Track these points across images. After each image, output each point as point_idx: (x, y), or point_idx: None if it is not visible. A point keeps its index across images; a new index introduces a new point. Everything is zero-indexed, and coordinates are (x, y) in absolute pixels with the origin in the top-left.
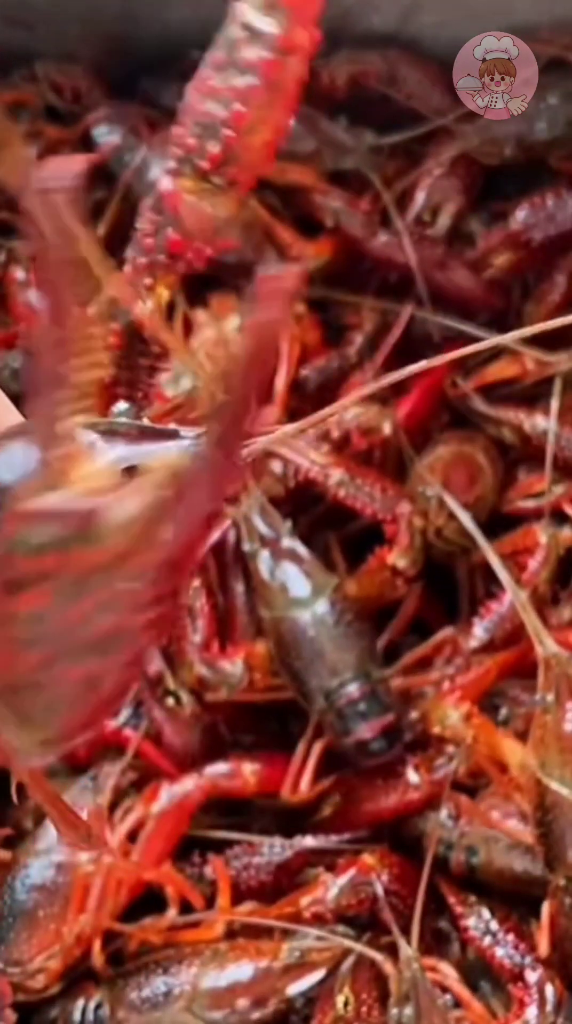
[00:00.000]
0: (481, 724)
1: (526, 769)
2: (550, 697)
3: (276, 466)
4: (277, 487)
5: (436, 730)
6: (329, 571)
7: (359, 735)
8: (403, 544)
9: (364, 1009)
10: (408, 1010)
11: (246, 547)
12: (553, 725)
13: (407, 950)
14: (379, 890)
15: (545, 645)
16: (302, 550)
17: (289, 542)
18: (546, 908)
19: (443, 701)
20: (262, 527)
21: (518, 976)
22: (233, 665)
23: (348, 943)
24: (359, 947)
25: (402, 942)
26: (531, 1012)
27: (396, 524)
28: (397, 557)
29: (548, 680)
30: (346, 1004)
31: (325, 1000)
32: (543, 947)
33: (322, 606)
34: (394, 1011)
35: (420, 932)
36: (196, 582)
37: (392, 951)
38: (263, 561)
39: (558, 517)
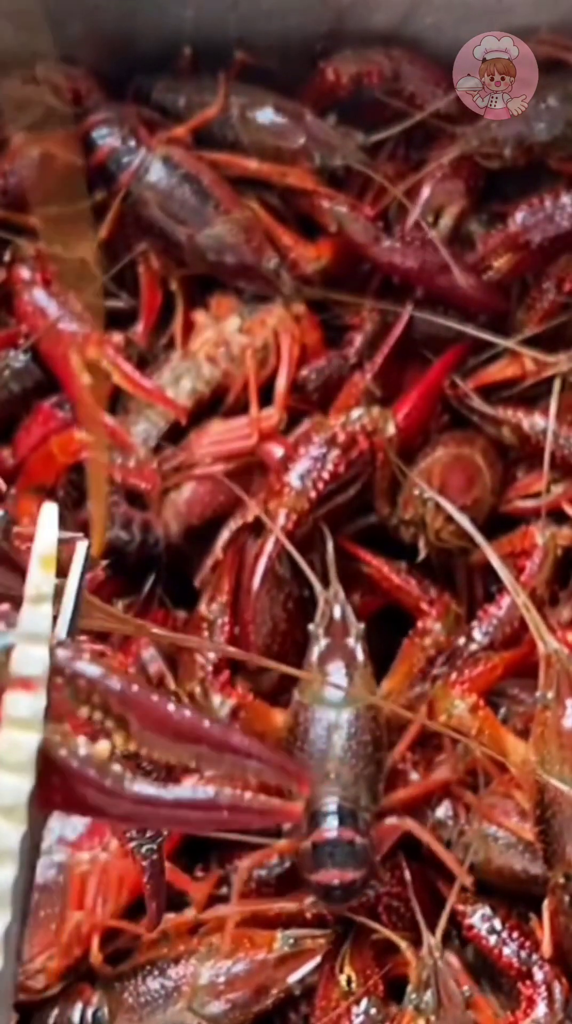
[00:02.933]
0: (486, 716)
1: (527, 765)
2: (550, 695)
3: (296, 481)
4: (300, 501)
5: (442, 719)
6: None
7: (325, 878)
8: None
9: (370, 984)
10: (428, 996)
11: (311, 626)
12: (553, 722)
13: (429, 939)
14: (407, 875)
15: (546, 642)
16: (360, 656)
17: (353, 643)
18: (547, 906)
19: (450, 691)
20: (337, 616)
21: (526, 975)
22: (222, 702)
23: (371, 923)
24: (380, 928)
25: (426, 932)
26: (540, 1010)
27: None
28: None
29: (548, 678)
30: (349, 982)
31: (327, 982)
32: (546, 946)
33: (347, 715)
34: (413, 996)
35: (419, 930)
36: (222, 596)
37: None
38: (319, 647)
39: (558, 516)
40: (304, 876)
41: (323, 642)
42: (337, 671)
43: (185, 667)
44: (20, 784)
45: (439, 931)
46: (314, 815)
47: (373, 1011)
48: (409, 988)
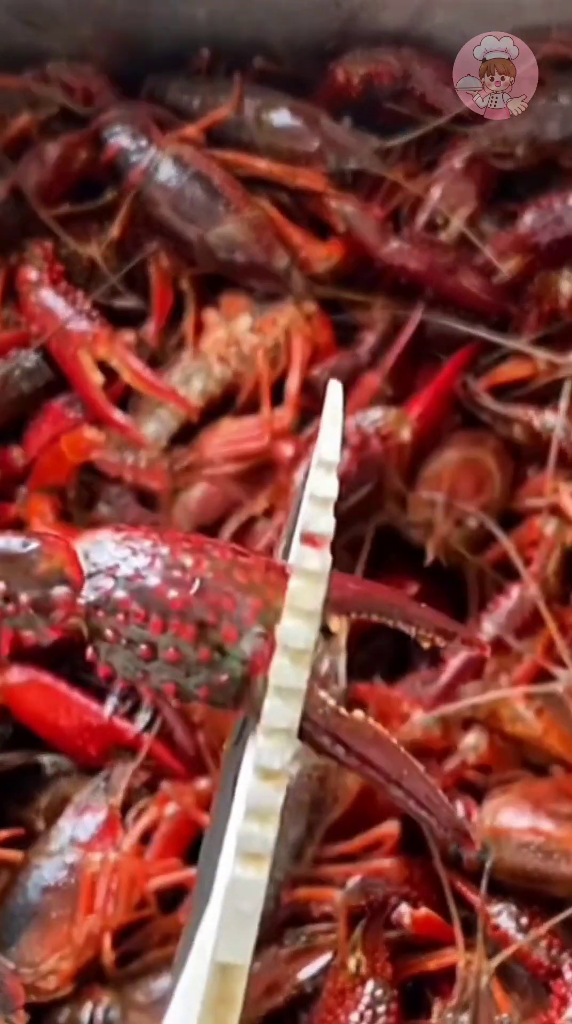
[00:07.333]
0: (550, 719)
1: None
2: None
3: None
4: None
5: (507, 729)
6: None
7: None
8: None
9: (378, 966)
10: (464, 1018)
11: None
12: None
13: (482, 961)
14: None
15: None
16: None
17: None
18: None
19: (510, 703)
20: (324, 669)
21: (556, 973)
22: None
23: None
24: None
25: (480, 955)
26: None
27: None
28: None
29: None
30: (359, 966)
31: (337, 968)
32: None
33: (293, 768)
34: (449, 1016)
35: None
36: None
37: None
38: None
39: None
40: None
41: None
42: None
43: None
44: (309, 632)
45: (480, 948)
46: None
47: (379, 992)
48: (445, 1007)
